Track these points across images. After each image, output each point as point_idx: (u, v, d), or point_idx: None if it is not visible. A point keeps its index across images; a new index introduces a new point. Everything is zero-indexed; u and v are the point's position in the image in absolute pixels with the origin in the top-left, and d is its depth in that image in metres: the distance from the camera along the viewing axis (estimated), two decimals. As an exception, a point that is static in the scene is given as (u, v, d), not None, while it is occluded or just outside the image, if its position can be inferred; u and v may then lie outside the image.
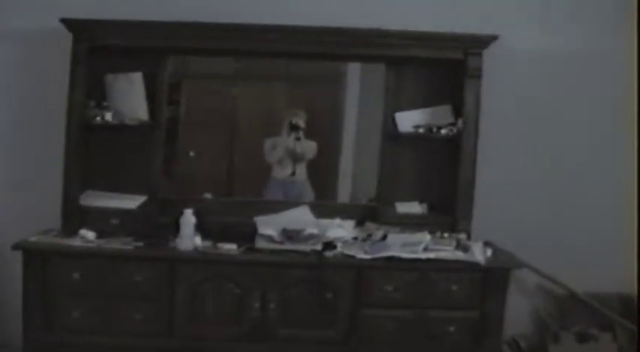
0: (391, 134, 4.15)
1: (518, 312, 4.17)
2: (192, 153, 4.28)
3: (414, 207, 4.15)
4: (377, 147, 4.19)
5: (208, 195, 4.26)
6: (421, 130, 4.13)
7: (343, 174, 4.28)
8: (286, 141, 4.21)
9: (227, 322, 3.75)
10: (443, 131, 4.10)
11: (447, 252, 3.72)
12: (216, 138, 4.28)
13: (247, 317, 3.73)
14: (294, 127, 4.20)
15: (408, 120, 4.17)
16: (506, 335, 3.98)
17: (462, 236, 3.97)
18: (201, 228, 3.80)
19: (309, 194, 4.29)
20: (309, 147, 4.21)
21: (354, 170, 4.28)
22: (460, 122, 4.06)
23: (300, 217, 3.95)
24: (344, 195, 4.34)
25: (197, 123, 4.24)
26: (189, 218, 3.78)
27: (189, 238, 3.72)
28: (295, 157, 4.23)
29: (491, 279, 3.77)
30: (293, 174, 4.19)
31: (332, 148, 4.27)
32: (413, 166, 4.21)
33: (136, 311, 3.73)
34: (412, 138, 4.15)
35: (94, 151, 4.03)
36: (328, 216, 4.03)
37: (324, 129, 4.30)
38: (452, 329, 3.76)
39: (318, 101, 4.26)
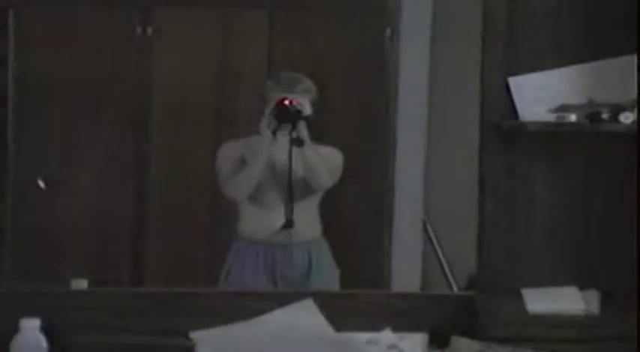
0: (502, 128, 2.61)
1: None
2: (42, 184, 2.78)
3: (569, 300, 2.55)
4: (472, 158, 2.59)
5: (82, 284, 2.65)
6: (574, 117, 2.58)
7: (402, 222, 2.69)
8: (271, 147, 2.69)
9: None
10: (625, 117, 2.57)
11: None
12: (101, 145, 2.79)
13: None
14: (287, 113, 2.66)
15: (542, 95, 2.65)
16: None
17: None
18: None
19: (329, 273, 2.74)
20: (324, 162, 2.70)
21: (427, 212, 2.74)
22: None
23: (300, 329, 2.37)
24: (405, 274, 2.74)
25: (53, 111, 2.77)
26: (32, 339, 2.22)
27: None
28: (292, 186, 2.69)
29: None
30: (289, 225, 2.68)
31: (375, 163, 2.79)
32: (557, 202, 2.61)
33: None
34: (552, 137, 2.62)
35: None
36: (367, 325, 2.45)
37: (358, 123, 2.86)
38: None
39: (341, 55, 2.85)
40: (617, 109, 2.58)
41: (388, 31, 2.74)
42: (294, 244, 2.63)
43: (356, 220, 2.73)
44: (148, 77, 2.82)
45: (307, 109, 2.66)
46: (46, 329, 2.18)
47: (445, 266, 2.70)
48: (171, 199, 2.75)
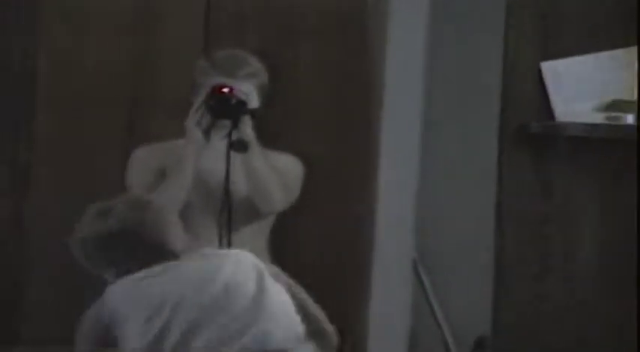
0: (534, 131, 2.16)
1: None
2: None
3: None
4: (486, 170, 2.11)
5: None
6: (631, 119, 2.16)
7: (383, 263, 2.02)
8: (201, 154, 2.06)
9: None
10: None
11: None
12: None
13: None
14: (224, 108, 2.01)
15: (584, 88, 2.18)
16: None
17: None
18: None
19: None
20: (275, 175, 2.08)
21: (419, 250, 2.08)
22: None
23: None
24: (386, 337, 2.11)
25: None
26: None
27: None
28: (231, 209, 2.06)
29: None
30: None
31: (348, 178, 2.19)
32: (612, 239, 2.08)
33: None
34: (601, 144, 2.20)
35: None
36: None
37: (325, 119, 2.23)
38: None
39: (305, 22, 2.21)
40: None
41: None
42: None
43: (320, 260, 2.10)
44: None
45: (254, 101, 2.04)
46: None
47: (442, 323, 2.06)
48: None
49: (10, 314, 2.11)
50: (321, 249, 2.13)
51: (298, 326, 1.66)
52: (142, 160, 2.17)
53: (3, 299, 2.11)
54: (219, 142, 2.04)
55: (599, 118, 2.17)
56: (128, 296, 1.68)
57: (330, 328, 1.71)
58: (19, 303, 2.14)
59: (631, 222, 2.00)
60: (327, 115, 2.26)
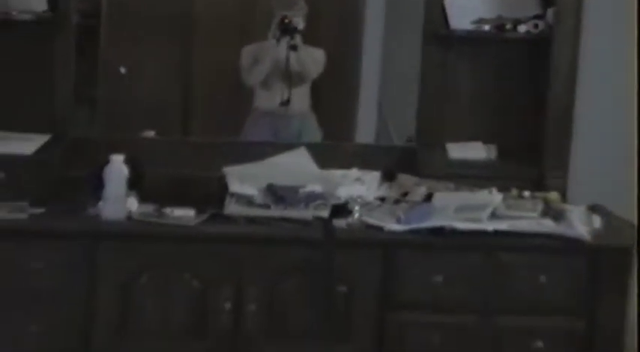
0: (438, 34, 3.30)
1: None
2: (123, 70, 3.44)
3: (476, 151, 3.30)
4: (416, 55, 3.31)
5: (150, 134, 3.40)
6: (487, 27, 3.28)
7: (365, 100, 3.46)
8: (275, 50, 3.37)
9: (179, 335, 2.86)
10: (522, 28, 3.26)
11: (528, 220, 2.88)
12: (161, 45, 3.48)
13: (212, 327, 2.86)
14: (287, 28, 3.36)
15: (466, 11, 3.30)
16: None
17: (553, 196, 3.06)
18: (138, 185, 2.92)
19: (315, 133, 3.48)
20: (312, 60, 3.39)
21: (382, 93, 3.48)
22: (551, 14, 3.22)
23: (296, 167, 3.11)
24: (366, 133, 3.53)
25: (130, 22, 3.45)
26: (118, 169, 2.84)
27: (118, 200, 2.84)
28: (290, 76, 3.38)
29: (604, 266, 2.86)
30: (287, 102, 3.39)
31: (348, 59, 3.50)
32: (474, 86, 3.35)
33: (32, 318, 2.82)
34: (472, 41, 3.31)
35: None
36: (341, 166, 3.19)
37: (336, 30, 3.54)
38: (540, 344, 2.86)
39: None
40: (517, 22, 3.26)
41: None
42: (290, 115, 3.44)
43: (333, 99, 3.52)
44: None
45: (301, 24, 3.33)
46: (127, 162, 2.83)
47: (391, 129, 3.51)
48: (210, 84, 3.48)
49: None
50: (334, 94, 3.48)
51: None
52: (247, 53, 3.38)
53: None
54: (283, 45, 3.30)
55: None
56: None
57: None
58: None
59: (486, 79, 3.28)
60: (334, 30, 3.48)
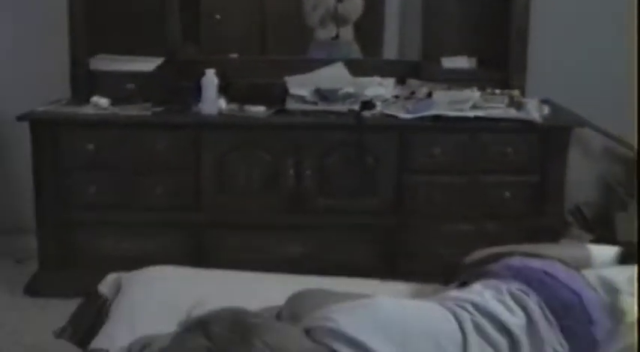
0: None
1: (581, 178, 3.92)
2: (218, 17, 4.06)
3: (462, 62, 3.84)
4: None
5: (234, 55, 4.02)
6: None
7: (389, 31, 4.08)
8: (327, 1, 3.98)
9: (259, 193, 3.53)
10: None
11: (498, 109, 3.45)
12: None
13: (281, 187, 3.49)
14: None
15: None
16: (569, 203, 3.76)
17: (516, 92, 3.63)
18: (225, 91, 3.55)
19: (357, 55, 4.11)
20: (353, 8, 4.03)
21: (401, 25, 4.09)
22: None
23: (335, 75, 3.66)
24: (390, 53, 4.16)
25: None
26: (211, 79, 3.48)
27: (212, 101, 3.46)
28: (337, 19, 4.00)
29: (550, 140, 3.50)
30: (336, 37, 4.04)
31: (377, 4, 4.07)
32: (461, 16, 3.86)
33: (157, 183, 3.52)
34: None
35: (103, 10, 3.75)
36: (367, 75, 3.76)
37: None
38: (507, 194, 3.51)
39: None
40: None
41: None
42: (340, 43, 4.04)
43: (368, 30, 4.12)
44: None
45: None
46: (217, 75, 3.42)
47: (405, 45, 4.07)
48: (281, 23, 4.13)
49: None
50: (368, 27, 4.08)
51: None
52: (309, 3, 3.99)
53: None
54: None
55: None
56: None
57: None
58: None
59: (484, 20, 3.77)
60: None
